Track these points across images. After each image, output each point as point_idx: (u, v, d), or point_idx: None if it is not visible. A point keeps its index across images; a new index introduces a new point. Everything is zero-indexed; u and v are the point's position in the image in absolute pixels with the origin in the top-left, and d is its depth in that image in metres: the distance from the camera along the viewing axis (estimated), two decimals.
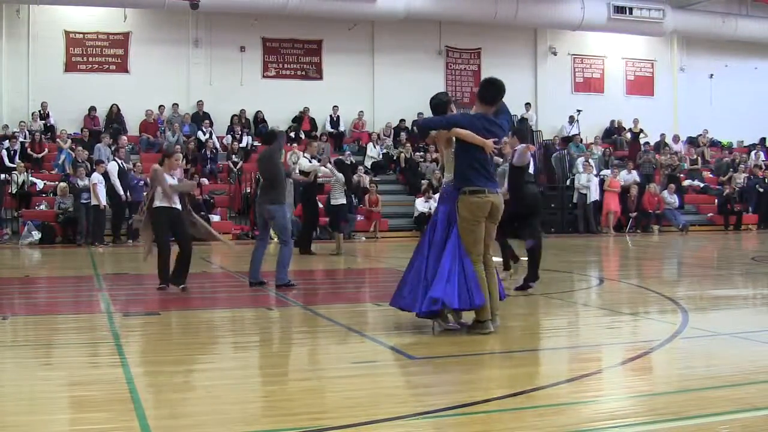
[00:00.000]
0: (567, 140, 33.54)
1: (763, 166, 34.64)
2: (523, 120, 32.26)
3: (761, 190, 32.37)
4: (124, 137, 27.71)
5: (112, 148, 26.96)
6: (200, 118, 30.57)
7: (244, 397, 6.36)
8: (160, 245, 12.38)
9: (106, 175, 24.35)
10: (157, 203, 12.26)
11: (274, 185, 13.07)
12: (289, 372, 7.38)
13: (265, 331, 9.69)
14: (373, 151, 31.40)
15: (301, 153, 27.87)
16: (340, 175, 20.99)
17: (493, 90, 9.41)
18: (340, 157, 28.19)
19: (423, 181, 29.09)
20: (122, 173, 24.61)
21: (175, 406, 5.99)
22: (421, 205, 27.86)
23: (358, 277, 16.77)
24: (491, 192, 8.81)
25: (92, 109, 29.85)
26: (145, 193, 14.26)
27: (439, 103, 9.50)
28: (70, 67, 30.40)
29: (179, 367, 7.41)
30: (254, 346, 8.70)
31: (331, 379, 6.89)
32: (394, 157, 31.47)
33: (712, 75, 38.19)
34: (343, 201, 21.00)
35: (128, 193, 24.58)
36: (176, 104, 30.79)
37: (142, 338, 9.09)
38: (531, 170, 12.68)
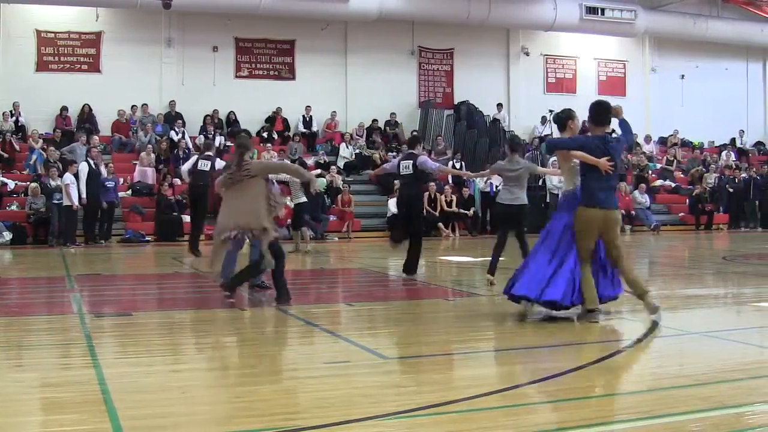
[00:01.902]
0: (540, 140, 33.64)
1: (734, 166, 34.90)
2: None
3: (732, 189, 32.61)
4: (96, 137, 27.54)
5: (84, 149, 26.79)
6: (173, 118, 30.45)
7: (217, 397, 6.36)
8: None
9: (78, 175, 24.21)
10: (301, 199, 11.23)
11: None
12: (263, 373, 7.37)
13: (238, 332, 9.67)
14: (346, 152, 31.39)
15: (275, 154, 27.92)
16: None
17: (601, 111, 9.90)
18: (300, 157, 28.13)
19: (396, 182, 29.06)
20: (94, 174, 24.46)
21: (148, 407, 5.97)
22: (394, 205, 27.84)
23: (331, 277, 16.77)
24: (603, 208, 9.55)
25: (64, 108, 29.64)
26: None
27: (557, 119, 10.49)
28: (41, 66, 30.21)
29: (152, 368, 7.39)
30: (227, 347, 8.70)
31: (305, 380, 6.90)
32: (369, 157, 31.38)
33: (683, 76, 38.41)
34: (304, 199, 20.88)
35: (99, 194, 24.46)
36: (147, 104, 30.62)
37: (114, 339, 9.07)
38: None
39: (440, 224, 28.18)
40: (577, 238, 9.67)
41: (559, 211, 10.24)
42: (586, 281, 9.56)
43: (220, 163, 19.95)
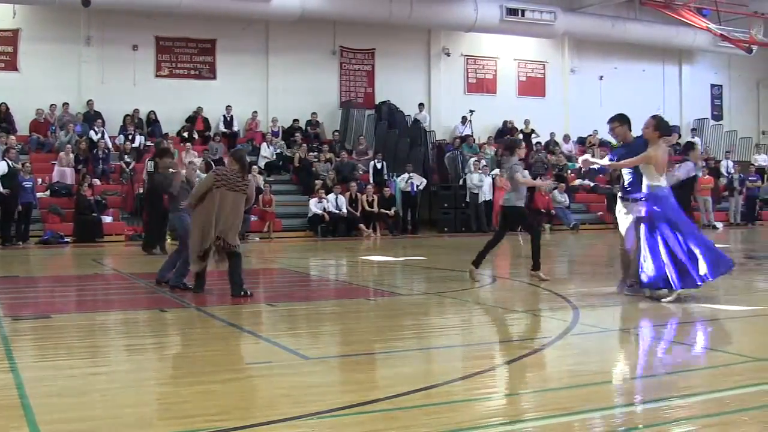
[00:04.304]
0: (461, 140, 33.86)
1: None
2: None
3: None
4: (13, 137, 27.16)
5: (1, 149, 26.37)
6: (92, 117, 30.09)
7: (139, 400, 6.31)
8: None
9: None
10: None
11: (171, 195, 13.41)
12: (184, 374, 7.32)
13: (159, 333, 9.60)
14: (267, 151, 31.28)
15: (196, 154, 27.73)
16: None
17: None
18: (210, 157, 27.96)
19: (317, 182, 29.09)
20: (12, 174, 24.12)
21: (68, 410, 5.91)
22: (315, 205, 27.88)
23: (252, 277, 16.67)
24: None
25: None
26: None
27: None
28: None
29: (71, 371, 7.31)
30: (148, 349, 8.62)
31: (226, 381, 6.85)
32: (291, 157, 31.27)
33: (601, 77, 38.97)
34: None
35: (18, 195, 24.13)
36: (68, 104, 30.17)
37: (32, 342, 8.94)
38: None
39: (361, 224, 28.25)
40: None
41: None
42: None
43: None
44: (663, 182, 11.14)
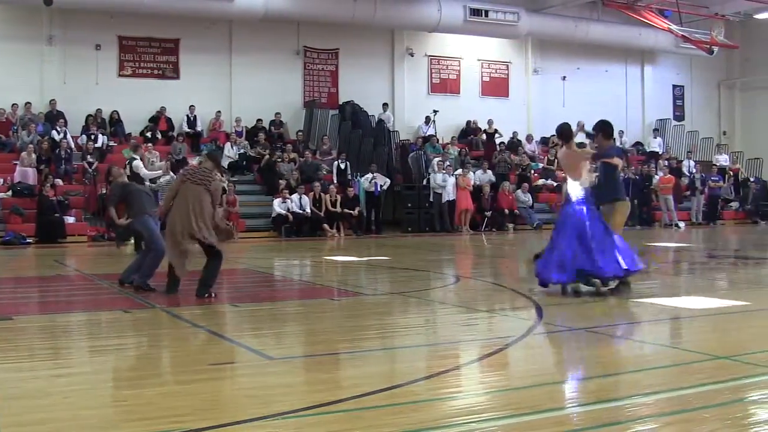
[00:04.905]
0: (425, 140, 33.90)
1: None
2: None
3: None
4: None
5: None
6: (54, 117, 29.84)
7: (102, 402, 6.28)
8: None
9: None
10: None
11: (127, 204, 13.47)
12: (147, 376, 7.29)
13: (122, 335, 9.54)
14: (231, 152, 31.14)
15: (158, 154, 27.55)
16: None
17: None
18: (174, 157, 27.84)
19: (280, 182, 28.99)
20: None
21: (30, 413, 5.86)
22: (279, 205, 27.79)
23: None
24: None
25: None
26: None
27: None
28: None
29: (34, 373, 7.26)
30: (111, 350, 8.57)
31: (191, 382, 6.84)
32: (258, 157, 31.09)
33: (564, 77, 39.11)
34: None
35: None
36: (30, 103, 29.92)
37: None
38: None
39: (325, 225, 28.21)
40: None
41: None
42: None
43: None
44: (576, 186, 12.00)
